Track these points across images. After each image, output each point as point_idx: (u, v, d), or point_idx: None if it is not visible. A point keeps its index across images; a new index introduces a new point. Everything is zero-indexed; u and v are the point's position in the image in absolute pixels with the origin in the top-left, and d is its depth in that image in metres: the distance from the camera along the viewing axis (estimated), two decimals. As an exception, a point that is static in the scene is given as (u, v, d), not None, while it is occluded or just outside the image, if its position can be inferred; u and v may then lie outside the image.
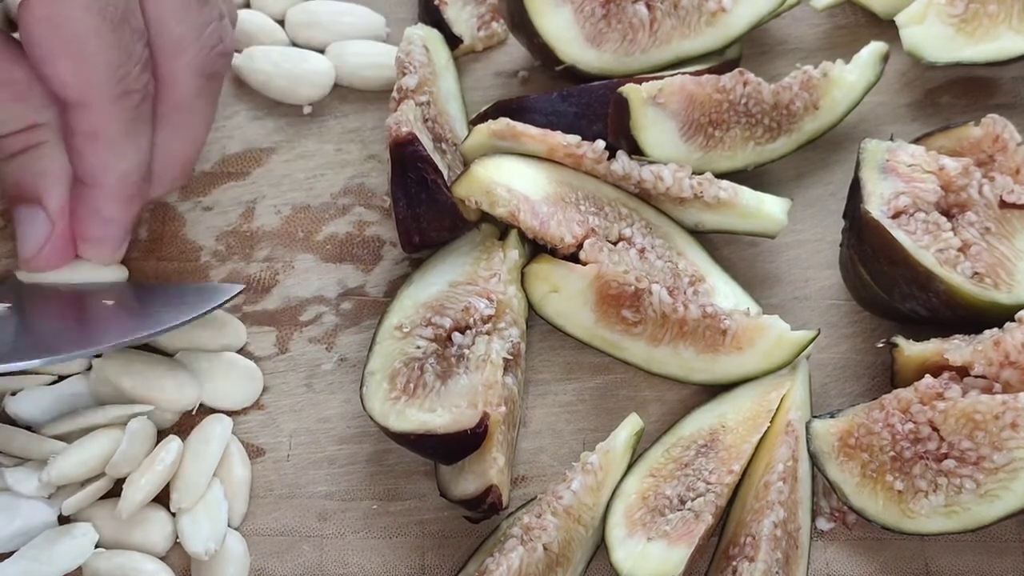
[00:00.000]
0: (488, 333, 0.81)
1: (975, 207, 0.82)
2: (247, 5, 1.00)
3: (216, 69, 0.80)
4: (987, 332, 0.79)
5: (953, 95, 0.97)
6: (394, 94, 0.90)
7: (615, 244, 0.85)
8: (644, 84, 0.86)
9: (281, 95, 0.96)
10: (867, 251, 0.81)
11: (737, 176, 0.89)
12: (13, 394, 0.81)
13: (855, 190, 0.83)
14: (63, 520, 0.78)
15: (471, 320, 0.82)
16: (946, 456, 0.75)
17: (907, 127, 0.95)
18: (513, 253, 0.85)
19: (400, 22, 0.99)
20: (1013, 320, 0.78)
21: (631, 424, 0.80)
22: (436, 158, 0.84)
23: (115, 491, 0.78)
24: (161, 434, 0.81)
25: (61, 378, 0.82)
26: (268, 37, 0.98)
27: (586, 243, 0.83)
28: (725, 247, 0.90)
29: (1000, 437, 0.73)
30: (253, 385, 0.84)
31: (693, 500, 0.77)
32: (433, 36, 0.94)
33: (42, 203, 0.79)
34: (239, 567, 0.78)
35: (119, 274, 0.86)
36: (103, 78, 0.72)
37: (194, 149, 0.84)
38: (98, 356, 0.81)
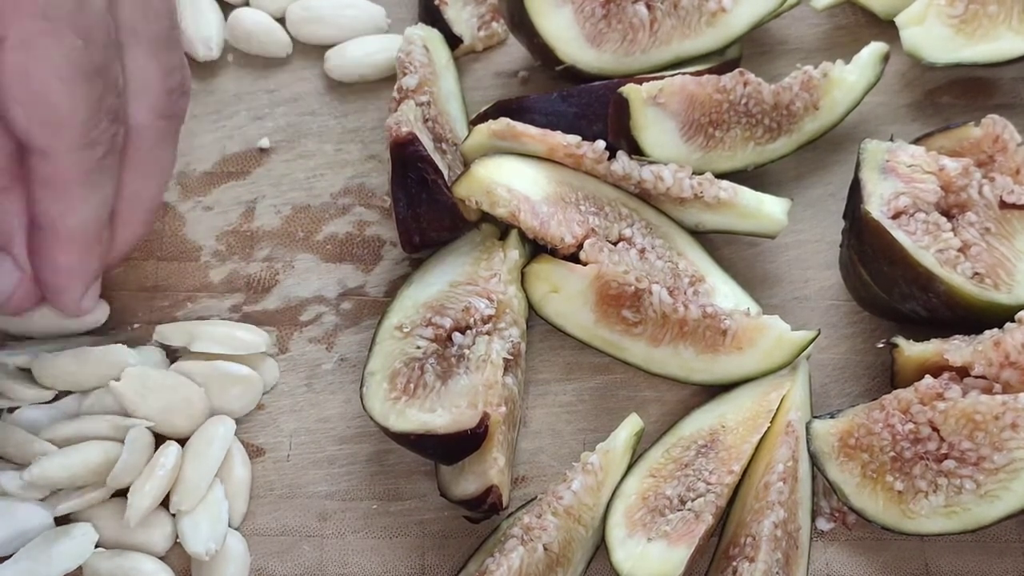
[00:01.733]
0: (488, 333, 0.81)
1: (975, 207, 0.82)
2: (247, 4, 1.00)
3: (176, 111, 0.77)
4: (987, 332, 0.79)
5: (953, 95, 0.97)
6: (394, 94, 0.90)
7: (615, 244, 0.85)
8: (644, 84, 0.86)
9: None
10: (867, 251, 0.81)
11: (737, 176, 0.89)
12: (11, 411, 0.81)
13: (855, 190, 0.83)
14: (62, 521, 0.78)
15: (471, 320, 0.82)
16: (946, 456, 0.75)
17: (907, 127, 0.95)
18: (513, 253, 0.85)
19: (400, 22, 0.99)
20: (1013, 320, 0.78)
21: (631, 424, 0.80)
22: (436, 158, 0.84)
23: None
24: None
25: (57, 397, 0.82)
26: (268, 36, 0.98)
27: (586, 243, 0.83)
28: (725, 247, 0.90)
29: (1000, 437, 0.73)
30: (253, 389, 0.84)
31: (693, 500, 0.77)
32: (433, 36, 0.94)
33: (8, 249, 0.75)
34: (239, 567, 0.78)
35: (99, 316, 0.84)
36: (68, 130, 0.68)
37: (157, 192, 0.79)
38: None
